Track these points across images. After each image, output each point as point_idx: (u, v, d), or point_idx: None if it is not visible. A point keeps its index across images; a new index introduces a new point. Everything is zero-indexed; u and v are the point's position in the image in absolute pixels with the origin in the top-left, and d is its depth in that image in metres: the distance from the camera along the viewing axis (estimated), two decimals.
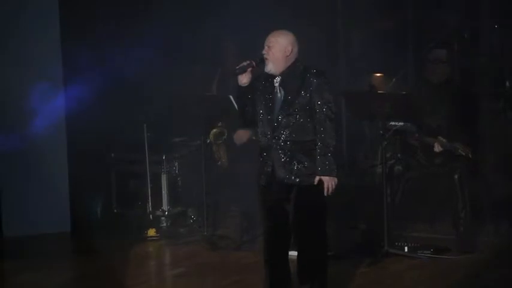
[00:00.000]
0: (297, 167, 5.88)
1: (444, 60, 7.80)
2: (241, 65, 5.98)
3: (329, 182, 5.87)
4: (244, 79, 5.97)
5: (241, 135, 8.14)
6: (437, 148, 7.52)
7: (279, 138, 5.89)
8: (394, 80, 8.29)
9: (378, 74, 8.87)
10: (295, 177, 5.88)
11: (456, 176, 7.49)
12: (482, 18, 8.87)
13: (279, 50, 5.93)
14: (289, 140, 5.88)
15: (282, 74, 5.94)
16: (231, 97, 7.57)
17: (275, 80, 5.95)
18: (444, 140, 7.47)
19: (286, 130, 5.88)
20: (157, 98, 8.60)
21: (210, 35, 9.07)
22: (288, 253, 6.06)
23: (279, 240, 6.02)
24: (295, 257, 6.05)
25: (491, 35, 8.93)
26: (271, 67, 5.94)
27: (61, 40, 8.40)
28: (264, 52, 5.96)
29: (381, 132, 7.47)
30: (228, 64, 8.39)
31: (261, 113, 5.96)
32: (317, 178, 5.85)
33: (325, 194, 5.87)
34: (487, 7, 8.85)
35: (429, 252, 7.33)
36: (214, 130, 8.39)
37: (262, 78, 6.02)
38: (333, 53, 9.21)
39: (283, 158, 5.89)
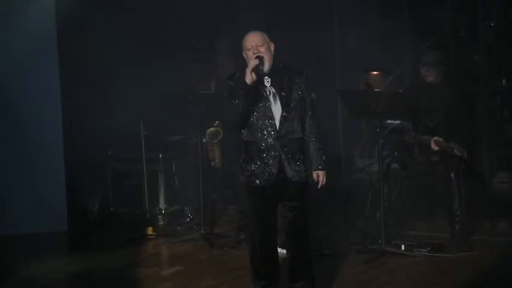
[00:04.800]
0: (297, 165, 5.89)
1: (439, 61, 7.81)
2: (256, 65, 5.77)
3: (324, 176, 5.95)
4: (249, 79, 5.80)
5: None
6: (433, 146, 7.53)
7: (283, 138, 5.87)
8: (390, 78, 8.30)
9: (374, 73, 8.87)
10: (297, 175, 5.88)
11: (453, 174, 7.51)
12: (479, 17, 8.87)
13: (268, 48, 5.88)
14: (289, 139, 5.88)
15: (269, 73, 5.89)
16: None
17: (265, 80, 5.88)
18: (440, 139, 7.48)
19: (286, 129, 5.87)
20: (155, 96, 8.59)
21: (209, 32, 9.08)
22: (277, 249, 6.10)
23: (271, 237, 6.03)
24: (282, 255, 6.15)
25: (487, 34, 8.92)
26: (267, 66, 5.87)
27: (57, 37, 8.39)
28: (260, 53, 5.80)
29: (378, 130, 7.48)
30: (227, 62, 8.40)
31: (256, 115, 5.86)
32: (315, 174, 5.91)
33: (319, 187, 5.94)
34: (483, 5, 8.85)
35: (426, 250, 7.34)
36: (210, 129, 8.38)
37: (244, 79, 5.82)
38: (329, 51, 9.21)
39: (284, 156, 5.87)
